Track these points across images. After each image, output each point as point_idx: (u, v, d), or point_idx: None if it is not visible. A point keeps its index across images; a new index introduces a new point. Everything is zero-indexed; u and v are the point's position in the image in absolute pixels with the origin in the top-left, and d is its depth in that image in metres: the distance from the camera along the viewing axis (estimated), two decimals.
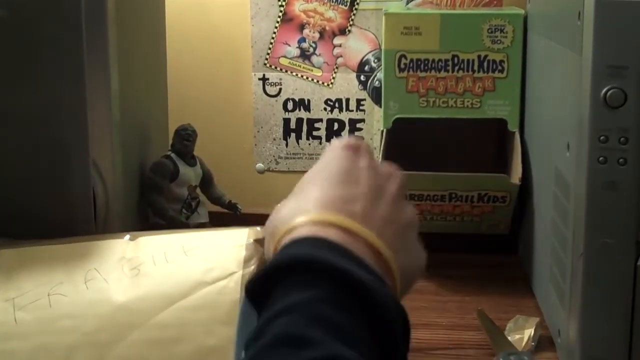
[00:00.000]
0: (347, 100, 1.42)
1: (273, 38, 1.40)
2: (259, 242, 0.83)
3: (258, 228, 0.85)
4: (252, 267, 0.81)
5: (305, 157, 1.43)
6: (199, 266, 0.81)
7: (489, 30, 1.24)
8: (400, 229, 0.55)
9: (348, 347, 0.45)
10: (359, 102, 1.42)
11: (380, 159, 1.28)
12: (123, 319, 0.79)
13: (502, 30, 1.24)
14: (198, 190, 1.27)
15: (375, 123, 1.41)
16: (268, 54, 1.41)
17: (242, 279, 0.80)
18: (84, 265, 0.84)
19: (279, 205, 0.58)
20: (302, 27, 1.40)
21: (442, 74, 1.25)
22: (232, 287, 0.79)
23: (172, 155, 1.23)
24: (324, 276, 0.47)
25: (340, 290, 0.47)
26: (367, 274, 0.48)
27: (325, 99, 1.42)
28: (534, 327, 1.00)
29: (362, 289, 0.47)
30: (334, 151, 0.58)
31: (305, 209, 0.54)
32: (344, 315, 0.46)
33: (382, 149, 1.26)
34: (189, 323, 0.78)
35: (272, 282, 0.49)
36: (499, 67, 1.24)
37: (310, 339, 0.44)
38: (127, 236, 0.89)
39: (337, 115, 1.42)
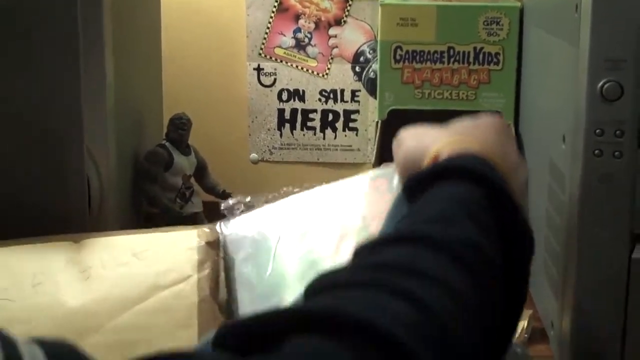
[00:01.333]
0: (342, 91, 1.42)
1: (268, 28, 1.40)
2: (210, 244, 0.83)
3: (206, 229, 0.85)
4: (206, 271, 0.80)
5: (300, 148, 1.43)
6: (151, 269, 0.81)
7: (485, 23, 1.24)
8: (513, 162, 0.65)
9: (485, 237, 0.53)
10: (353, 93, 1.42)
11: (375, 151, 1.28)
12: (79, 322, 0.78)
13: (498, 23, 1.24)
14: (192, 180, 1.27)
15: (370, 114, 1.41)
16: (263, 43, 1.41)
17: (197, 283, 0.79)
18: (28, 269, 0.82)
19: (409, 135, 0.69)
20: (297, 17, 1.40)
21: (438, 65, 1.25)
22: (189, 291, 0.79)
23: (167, 144, 1.23)
24: (474, 179, 0.57)
25: (488, 193, 0.56)
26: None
27: (320, 89, 1.42)
28: (527, 319, 1.00)
29: (508, 198, 0.57)
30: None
31: (445, 137, 0.65)
32: (489, 214, 0.55)
33: (376, 140, 1.26)
34: (148, 327, 0.77)
35: (430, 182, 0.58)
36: (495, 60, 1.25)
37: (454, 221, 0.52)
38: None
39: (332, 106, 1.42)
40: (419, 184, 0.59)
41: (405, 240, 0.50)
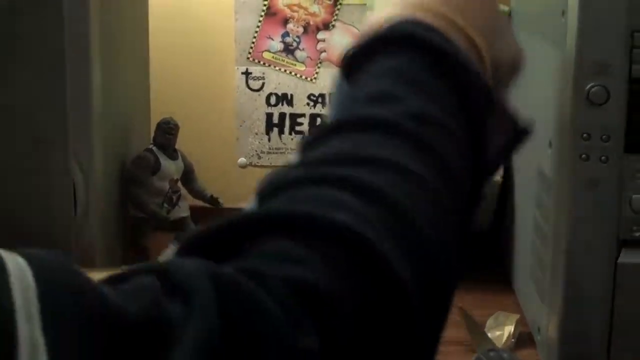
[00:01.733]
0: (331, 95, 1.41)
1: (257, 32, 1.40)
2: None
3: None
4: None
5: (288, 152, 1.43)
6: None
7: None
8: (494, 22, 0.57)
9: (432, 103, 0.47)
10: None
11: None
12: None
13: None
14: (179, 184, 1.26)
15: None
16: (251, 48, 1.41)
17: None
18: None
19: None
20: (286, 21, 1.39)
21: None
22: None
23: (154, 148, 1.22)
24: (416, 46, 0.50)
25: (431, 59, 0.49)
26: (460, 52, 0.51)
27: (308, 93, 1.42)
28: (514, 324, 1.00)
29: (454, 61, 0.50)
30: None
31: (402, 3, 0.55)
32: (434, 80, 0.49)
33: None
34: None
35: (366, 56, 0.51)
36: None
37: (397, 96, 0.47)
38: None
39: (320, 110, 1.42)
40: (355, 59, 0.51)
41: (347, 127, 0.46)
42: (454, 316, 1.07)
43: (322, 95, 1.42)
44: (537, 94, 1.02)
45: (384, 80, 0.49)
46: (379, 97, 0.48)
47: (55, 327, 0.31)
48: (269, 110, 1.43)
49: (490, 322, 1.02)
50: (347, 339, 0.37)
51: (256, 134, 1.43)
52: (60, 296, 0.32)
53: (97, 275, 0.36)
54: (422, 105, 0.47)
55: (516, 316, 1.02)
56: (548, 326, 0.90)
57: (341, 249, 0.39)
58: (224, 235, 0.40)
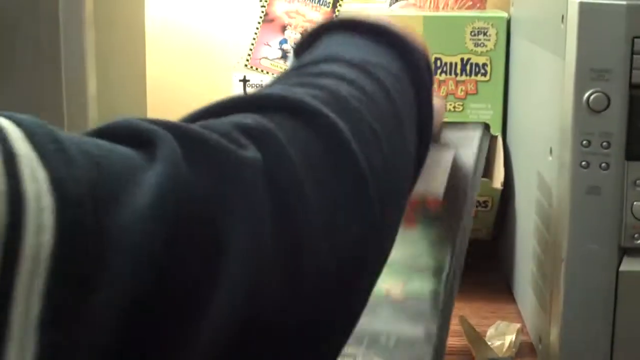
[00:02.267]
0: None
1: (254, 39, 1.40)
2: None
3: None
4: None
5: None
6: None
7: (472, 33, 1.24)
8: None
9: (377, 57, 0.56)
10: None
11: None
12: None
13: (485, 33, 1.24)
14: None
15: None
16: (249, 55, 1.40)
17: None
18: None
19: None
20: (283, 28, 1.39)
21: None
22: None
23: None
24: (358, 25, 0.58)
25: (373, 35, 0.57)
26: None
27: None
28: (514, 334, 1.00)
29: (395, 34, 0.58)
30: None
31: None
32: (379, 50, 0.56)
33: None
34: None
35: (314, 37, 0.59)
36: (482, 70, 1.24)
37: (342, 55, 0.54)
38: None
39: None
40: (308, 38, 0.59)
41: (323, 61, 0.55)
42: (454, 325, 1.07)
43: None
44: (537, 101, 1.02)
45: (339, 46, 0.57)
46: (339, 50, 0.56)
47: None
48: None
49: (491, 331, 1.02)
50: (290, 167, 0.44)
51: None
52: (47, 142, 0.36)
53: None
54: (369, 58, 0.55)
55: (517, 325, 1.02)
56: (549, 336, 0.89)
57: (299, 119, 0.47)
58: (214, 109, 0.50)
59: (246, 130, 0.44)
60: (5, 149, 0.33)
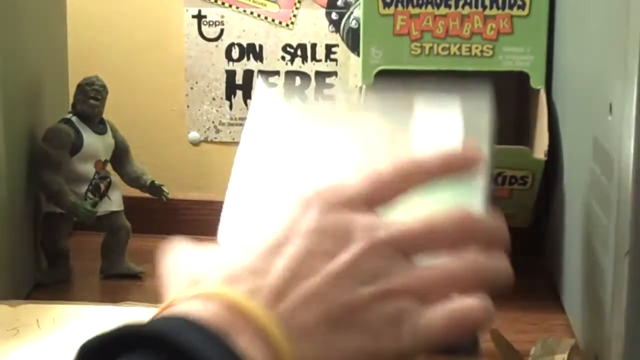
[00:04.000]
0: (314, 46, 1.41)
1: None
2: None
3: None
4: None
5: None
6: None
7: None
8: (335, 311, 0.58)
9: None
10: (329, 48, 1.41)
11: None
12: None
13: None
14: (109, 168, 1.26)
15: (352, 77, 1.41)
16: None
17: None
18: None
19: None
20: None
21: (442, 10, 1.25)
22: None
23: (74, 118, 1.22)
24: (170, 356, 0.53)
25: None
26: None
27: (283, 44, 1.42)
28: (567, 353, 1.00)
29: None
30: (287, 206, 0.63)
31: (208, 274, 0.60)
32: None
33: None
34: None
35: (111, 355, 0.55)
36: (519, 2, 1.24)
37: None
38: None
39: (300, 67, 1.42)
40: (98, 355, 0.56)
41: None
42: (485, 343, 1.07)
43: (301, 46, 1.41)
44: (593, 43, 1.02)
45: None
46: None
47: None
48: (230, 66, 1.42)
49: (535, 349, 1.02)
50: None
51: (213, 99, 1.43)
52: None
53: None
54: None
55: (570, 341, 1.02)
56: (610, 354, 0.90)
57: None
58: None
59: None
60: None
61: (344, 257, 0.60)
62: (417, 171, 0.64)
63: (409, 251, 0.61)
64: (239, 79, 1.43)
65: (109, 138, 1.25)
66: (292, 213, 0.62)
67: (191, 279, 0.60)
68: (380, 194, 0.63)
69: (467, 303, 0.59)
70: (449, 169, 0.65)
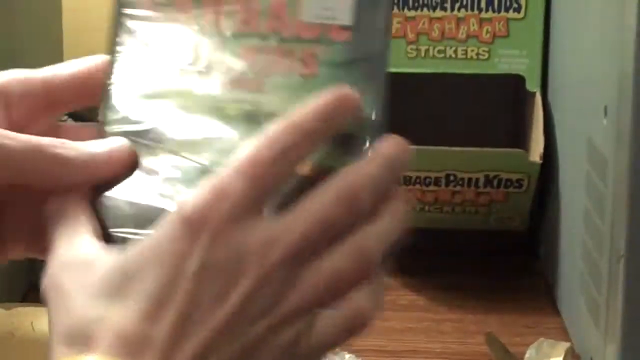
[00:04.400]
0: None
1: None
2: None
3: None
4: None
5: None
6: None
7: None
8: (238, 352, 0.56)
9: None
10: None
11: None
12: None
13: None
14: None
15: None
16: None
17: None
18: None
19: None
20: None
21: (438, 12, 1.25)
22: None
23: (69, 120, 1.22)
24: None
25: None
26: None
27: None
28: (562, 356, 1.00)
29: None
30: (167, 229, 0.56)
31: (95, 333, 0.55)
32: None
33: None
34: None
35: None
36: (515, 5, 1.24)
37: None
38: None
39: None
40: None
41: None
42: (479, 345, 1.07)
43: None
44: (588, 44, 1.02)
45: None
46: None
47: None
48: None
49: (530, 353, 1.02)
50: None
51: None
52: None
53: None
54: None
55: (565, 344, 1.02)
56: (604, 357, 0.90)
57: None
58: None
59: None
60: None
61: (234, 299, 0.56)
62: (296, 141, 0.56)
63: (307, 256, 0.56)
64: None
65: None
66: (177, 246, 0.55)
67: (78, 333, 0.55)
68: (264, 185, 0.54)
69: (354, 305, 0.55)
70: (331, 125, 0.57)
